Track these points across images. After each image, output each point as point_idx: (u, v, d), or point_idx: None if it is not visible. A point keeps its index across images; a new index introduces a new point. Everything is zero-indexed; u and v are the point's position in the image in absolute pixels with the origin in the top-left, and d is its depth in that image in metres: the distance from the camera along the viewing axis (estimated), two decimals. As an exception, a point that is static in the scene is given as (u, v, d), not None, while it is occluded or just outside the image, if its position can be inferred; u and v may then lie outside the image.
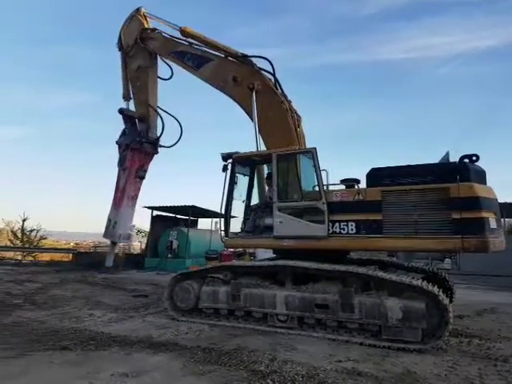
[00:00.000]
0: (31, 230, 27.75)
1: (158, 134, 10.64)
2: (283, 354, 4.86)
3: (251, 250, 17.00)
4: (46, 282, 11.53)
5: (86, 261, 18.97)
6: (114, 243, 10.56)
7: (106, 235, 10.42)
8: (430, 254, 15.25)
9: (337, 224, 6.24)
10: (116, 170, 10.60)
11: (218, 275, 7.02)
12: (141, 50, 10.22)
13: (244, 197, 7.99)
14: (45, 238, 29.83)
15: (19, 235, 27.33)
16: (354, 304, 5.54)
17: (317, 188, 6.73)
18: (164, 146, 10.79)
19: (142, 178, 10.61)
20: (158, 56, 10.30)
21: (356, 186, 6.71)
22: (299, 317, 6.00)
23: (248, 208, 7.92)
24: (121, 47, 10.57)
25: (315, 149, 6.65)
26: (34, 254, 24.81)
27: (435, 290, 5.15)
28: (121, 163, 10.42)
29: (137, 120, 10.70)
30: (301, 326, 5.99)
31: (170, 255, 18.83)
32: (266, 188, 8.15)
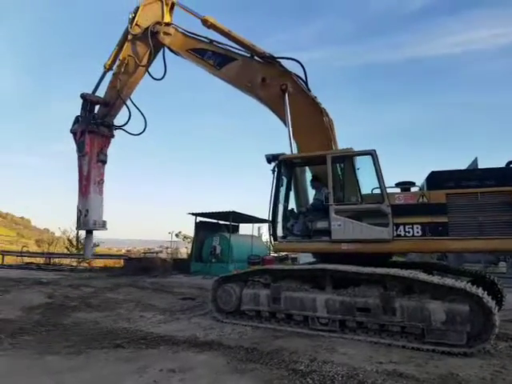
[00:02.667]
0: (85, 238, 29.35)
1: (118, 124, 10.24)
2: (323, 355, 4.95)
3: (294, 255, 17.09)
4: (99, 287, 12.15)
5: (136, 266, 19.77)
6: (89, 232, 10.12)
7: (79, 226, 9.98)
8: (483, 257, 14.64)
9: (401, 227, 6.26)
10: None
11: (258, 278, 7.19)
12: (148, 39, 9.37)
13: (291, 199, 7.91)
14: (98, 245, 31.43)
15: (74, 243, 29.00)
16: (395, 307, 5.52)
17: (375, 191, 6.72)
18: (131, 133, 10.29)
19: (104, 162, 10.20)
20: (169, 51, 9.53)
21: (411, 189, 6.72)
22: (340, 320, 6.03)
23: (287, 211, 7.81)
24: (131, 21, 9.63)
25: (375, 151, 6.63)
26: (88, 261, 26.21)
27: (479, 292, 5.04)
28: (80, 150, 9.96)
29: (99, 105, 10.21)
30: (342, 329, 6.02)
31: (213, 260, 19.32)
32: (312, 191, 8.06)
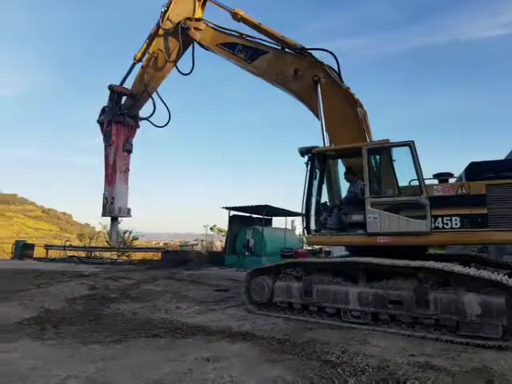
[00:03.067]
0: (125, 232, 30.45)
1: (144, 115, 10.48)
2: (355, 347, 4.97)
3: (327, 248, 17.03)
4: (138, 279, 12.62)
5: (173, 259, 20.33)
6: (114, 219, 10.44)
7: (105, 213, 10.16)
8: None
9: (439, 219, 6.18)
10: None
11: (290, 271, 7.26)
12: (178, 35, 9.47)
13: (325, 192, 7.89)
14: (137, 239, 32.56)
15: (114, 237, 30.14)
16: (429, 300, 5.45)
17: (413, 183, 6.64)
18: (155, 125, 10.58)
19: (130, 151, 10.48)
20: (200, 46, 9.58)
21: (449, 180, 6.62)
22: (373, 313, 6.02)
23: (320, 204, 7.75)
24: (163, 15, 9.71)
25: (413, 142, 6.52)
26: (127, 254, 27.20)
27: (517, 285, 4.91)
28: (106, 140, 10.25)
29: (126, 96, 10.44)
30: (375, 322, 6.00)
31: (247, 253, 19.60)
32: (345, 184, 8.01)
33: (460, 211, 6.03)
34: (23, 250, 23.10)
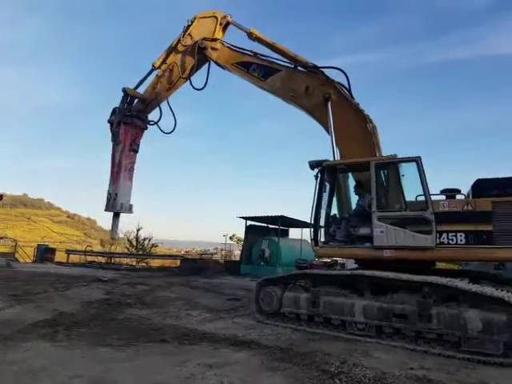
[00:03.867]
0: (144, 239, 31.04)
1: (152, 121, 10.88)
2: (355, 359, 5.05)
3: (342, 261, 16.98)
4: (154, 285, 12.88)
5: (191, 267, 20.60)
6: (116, 215, 10.67)
7: (107, 208, 10.47)
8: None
9: (444, 234, 6.24)
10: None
11: (299, 282, 7.38)
12: (194, 54, 9.90)
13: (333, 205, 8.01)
14: (156, 246, 33.13)
15: (134, 243, 30.75)
16: (432, 315, 5.49)
17: (420, 198, 6.73)
18: (162, 131, 10.94)
19: (136, 151, 10.88)
20: (216, 65, 9.95)
21: (457, 197, 6.67)
22: (377, 325, 6.08)
23: (329, 217, 7.91)
24: (186, 29, 10.19)
25: (420, 158, 6.63)
26: (146, 260, 27.68)
27: (518, 302, 4.91)
28: (114, 139, 10.62)
29: (138, 99, 10.83)
30: (379, 335, 6.06)
31: (262, 263, 19.71)
32: (355, 197, 8.10)
33: (465, 227, 6.07)
34: (45, 253, 23.77)
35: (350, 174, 8.34)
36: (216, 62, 9.96)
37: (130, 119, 10.75)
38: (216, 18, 10.09)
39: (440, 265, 8.06)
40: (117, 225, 10.95)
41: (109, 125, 10.91)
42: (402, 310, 5.82)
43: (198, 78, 10.45)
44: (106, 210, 10.57)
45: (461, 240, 6.10)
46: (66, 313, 7.53)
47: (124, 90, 10.83)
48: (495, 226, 5.89)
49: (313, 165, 7.70)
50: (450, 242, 6.17)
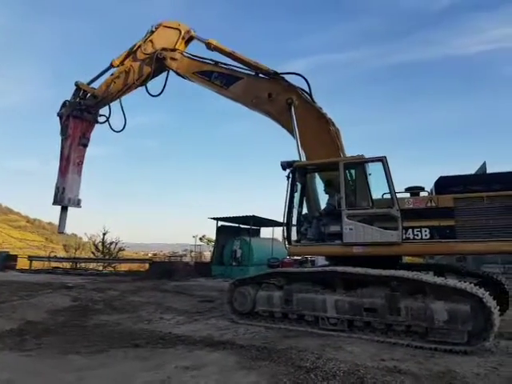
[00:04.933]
0: (111, 243, 30.35)
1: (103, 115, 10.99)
2: (329, 354, 5.18)
3: (312, 258, 17.29)
4: (123, 290, 12.65)
5: (160, 270, 20.32)
6: (64, 209, 10.71)
7: (55, 202, 10.52)
8: (502, 258, 14.51)
9: (410, 230, 6.48)
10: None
11: (272, 281, 7.46)
12: (152, 63, 9.93)
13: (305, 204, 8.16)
14: (123, 250, 32.45)
15: (100, 248, 30.00)
16: (400, 307, 5.71)
17: (386, 196, 6.95)
18: (112, 129, 11.04)
19: (85, 145, 10.93)
20: (176, 75, 9.94)
21: (421, 194, 6.93)
22: (349, 320, 6.25)
23: (301, 216, 8.02)
24: (149, 34, 10.25)
25: (385, 157, 6.86)
26: (113, 265, 27.08)
27: (480, 292, 5.19)
28: (63, 132, 10.70)
29: (89, 94, 10.79)
30: (350, 329, 6.23)
31: (234, 263, 19.73)
32: (323, 196, 8.30)
33: (429, 223, 6.34)
34: (5, 261, 22.83)
35: (316, 174, 8.53)
36: (176, 72, 9.98)
37: (80, 113, 10.74)
38: (180, 31, 10.15)
39: (406, 259, 8.37)
40: (65, 219, 10.89)
41: (58, 118, 10.87)
42: (371, 303, 6.01)
43: (157, 81, 10.43)
44: (53, 204, 10.58)
45: (425, 235, 6.37)
46: (33, 321, 7.26)
47: (76, 84, 10.85)
48: (457, 221, 6.18)
49: (284, 165, 7.84)
50: (416, 237, 6.43)
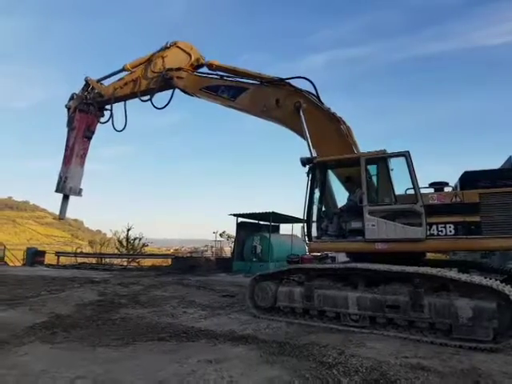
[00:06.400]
0: (135, 239, 30.90)
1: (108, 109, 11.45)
2: (352, 350, 5.18)
3: (332, 254, 17.18)
4: (147, 285, 12.92)
5: (182, 265, 20.65)
6: (65, 197, 11.16)
7: (57, 190, 11.01)
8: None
9: (434, 226, 6.42)
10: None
11: (293, 277, 7.49)
12: (158, 82, 10.42)
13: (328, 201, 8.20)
14: (146, 246, 32.98)
15: (124, 243, 30.59)
16: (424, 304, 5.65)
17: (409, 191, 6.91)
18: (115, 128, 11.28)
19: (89, 138, 11.42)
20: (184, 93, 10.33)
21: (445, 189, 6.84)
22: (371, 316, 6.22)
23: (321, 212, 8.01)
24: (163, 49, 10.75)
25: (408, 152, 6.79)
26: (137, 260, 27.58)
27: (507, 289, 5.09)
28: (69, 124, 11.22)
29: (96, 90, 11.27)
30: (373, 325, 6.21)
31: (254, 259, 19.87)
32: (341, 192, 8.30)
33: (454, 219, 6.25)
34: (34, 256, 23.59)
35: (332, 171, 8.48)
36: (183, 91, 10.34)
37: (87, 107, 11.21)
38: (190, 57, 10.64)
39: (429, 255, 8.25)
40: (65, 206, 11.38)
41: (66, 110, 11.39)
42: (394, 300, 5.96)
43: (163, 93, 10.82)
44: (55, 192, 11.11)
45: (450, 231, 6.29)
46: (62, 315, 7.50)
47: (86, 79, 11.36)
48: (483, 216, 6.08)
49: (304, 161, 7.82)
50: (440, 233, 6.35)
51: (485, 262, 8.86)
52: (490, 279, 5.42)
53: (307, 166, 7.84)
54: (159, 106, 10.58)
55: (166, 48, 10.73)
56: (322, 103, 8.45)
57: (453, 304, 5.38)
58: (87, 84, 11.40)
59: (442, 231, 6.34)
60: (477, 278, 5.41)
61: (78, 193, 11.25)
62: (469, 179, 6.48)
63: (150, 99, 10.59)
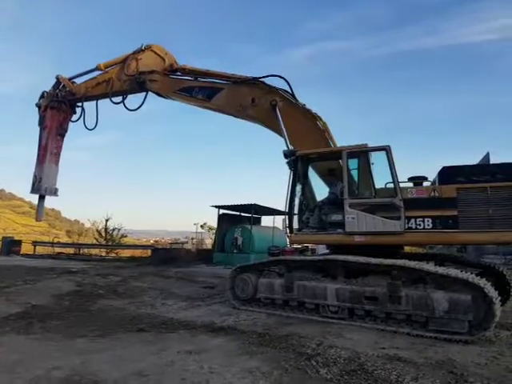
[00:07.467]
0: (113, 229, 30.46)
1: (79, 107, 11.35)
2: (330, 341, 5.24)
3: (313, 246, 17.35)
4: (126, 276, 12.80)
5: (162, 256, 20.48)
6: (41, 197, 11.04)
7: (32, 191, 10.90)
8: (502, 249, 14.58)
9: (412, 220, 6.49)
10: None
11: (273, 268, 7.52)
12: (131, 85, 10.32)
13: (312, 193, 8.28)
14: (125, 236, 32.57)
15: (103, 234, 30.13)
16: (401, 296, 5.75)
17: (389, 185, 6.96)
18: (86, 127, 11.18)
19: (63, 135, 11.32)
20: (158, 96, 10.29)
21: (424, 184, 6.93)
22: (349, 308, 6.30)
23: (302, 204, 8.02)
24: (137, 51, 10.58)
25: (389, 147, 6.85)
26: (116, 251, 27.25)
27: (482, 282, 5.22)
28: (41, 123, 11.10)
29: (67, 88, 11.16)
30: (351, 317, 6.29)
31: (235, 251, 19.90)
32: (321, 186, 8.37)
33: (432, 213, 6.35)
34: (10, 246, 23.03)
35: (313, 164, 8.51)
36: (157, 93, 10.28)
37: (58, 104, 11.08)
38: (164, 61, 10.47)
39: (407, 248, 8.39)
40: (42, 207, 11.35)
41: (37, 108, 11.22)
42: (372, 292, 6.05)
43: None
44: (31, 193, 10.97)
45: (428, 225, 6.38)
46: (39, 305, 7.36)
47: (57, 77, 11.25)
48: (460, 211, 6.19)
49: (287, 154, 7.84)
50: (418, 226, 6.45)
51: (460, 256, 9.06)
52: (466, 272, 5.55)
53: (289, 159, 7.84)
54: (132, 108, 10.50)
55: (140, 50, 10.59)
56: (297, 100, 8.50)
57: (429, 296, 5.49)
58: (58, 82, 11.25)
59: (420, 225, 6.44)
60: (453, 271, 5.52)
61: (54, 193, 11.09)
62: (447, 174, 6.57)
63: (123, 101, 10.53)
